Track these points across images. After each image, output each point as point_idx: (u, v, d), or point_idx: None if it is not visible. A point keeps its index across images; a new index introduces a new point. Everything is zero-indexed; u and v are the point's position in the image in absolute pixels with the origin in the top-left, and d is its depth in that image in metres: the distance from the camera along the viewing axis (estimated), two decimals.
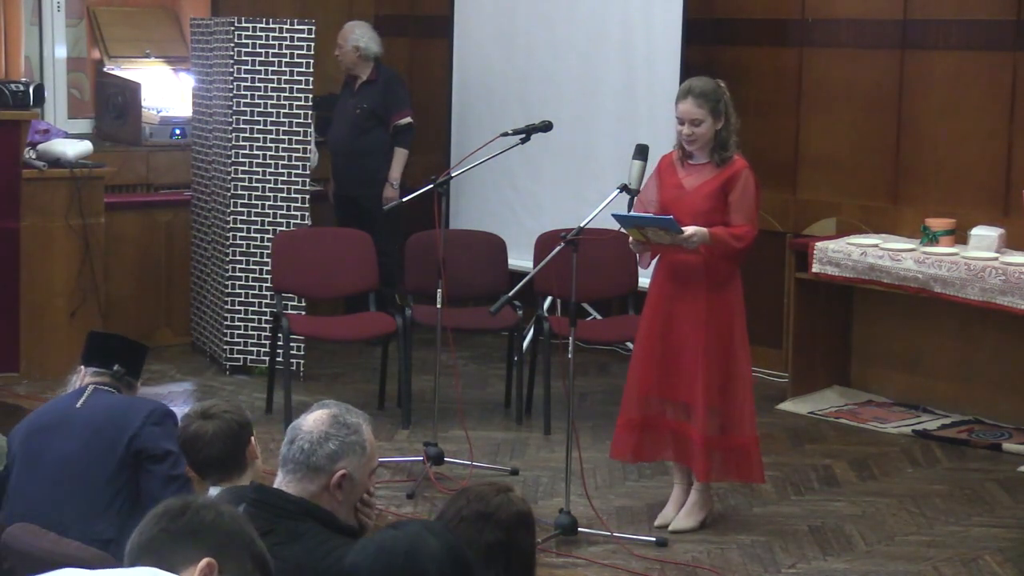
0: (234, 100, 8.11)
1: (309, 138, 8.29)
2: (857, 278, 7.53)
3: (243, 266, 8.21)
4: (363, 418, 3.54)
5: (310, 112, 8.19)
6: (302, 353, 8.06)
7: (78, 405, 4.49)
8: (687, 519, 5.93)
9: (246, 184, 8.16)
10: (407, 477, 6.50)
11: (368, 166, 8.77)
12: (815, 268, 7.63)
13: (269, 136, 8.14)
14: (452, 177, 6.90)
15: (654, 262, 5.98)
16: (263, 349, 8.10)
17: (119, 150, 8.88)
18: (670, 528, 5.91)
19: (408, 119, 8.80)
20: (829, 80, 8.23)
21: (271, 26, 8.11)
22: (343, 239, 7.92)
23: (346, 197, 8.92)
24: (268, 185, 8.16)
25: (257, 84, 8.11)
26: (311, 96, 8.15)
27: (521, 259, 7.88)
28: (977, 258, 7.11)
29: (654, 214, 5.76)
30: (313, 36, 8.11)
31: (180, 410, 4.81)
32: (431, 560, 2.73)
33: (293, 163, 8.14)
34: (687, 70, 7.82)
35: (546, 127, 6.52)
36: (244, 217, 8.18)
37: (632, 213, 5.74)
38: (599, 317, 8.64)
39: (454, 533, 2.96)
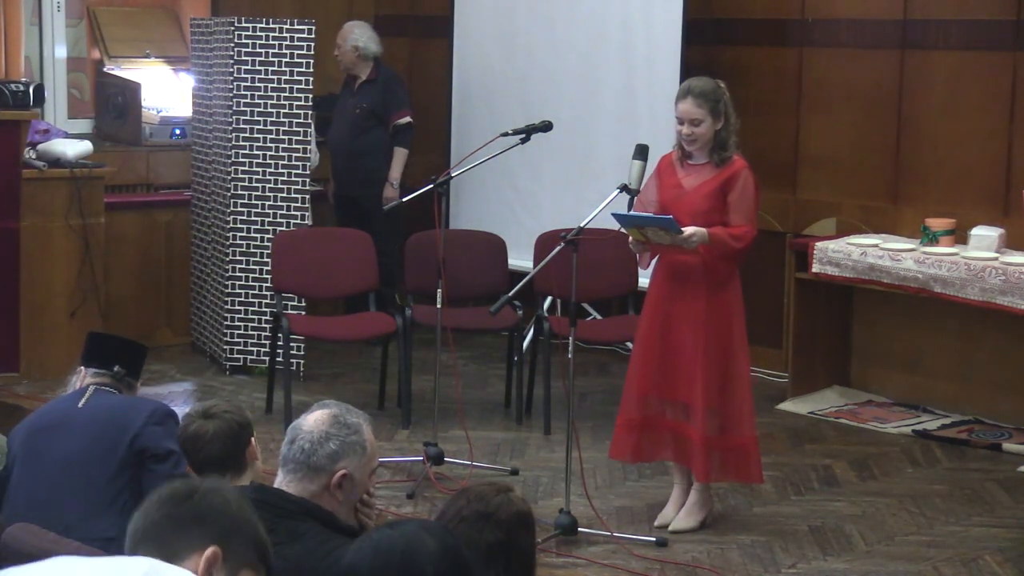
0: (234, 100, 8.11)
1: (309, 138, 8.29)
2: (857, 278, 7.53)
3: (243, 266, 8.21)
4: (363, 418, 3.54)
5: (310, 112, 8.19)
6: (302, 353, 8.06)
7: (79, 405, 4.49)
8: (687, 519, 5.93)
9: (246, 184, 8.16)
10: (407, 477, 6.50)
11: (368, 166, 8.77)
12: (815, 268, 7.63)
13: (269, 136, 8.14)
14: (452, 177, 6.90)
15: (653, 262, 5.98)
16: (263, 349, 8.10)
17: (119, 150, 8.88)
18: (670, 528, 5.91)
19: (408, 118, 8.80)
20: (829, 80, 8.23)
21: (271, 26, 8.11)
22: (343, 239, 7.92)
23: (346, 197, 8.92)
24: (268, 185, 8.16)
25: (257, 84, 8.11)
26: (311, 96, 8.15)
27: (521, 259, 7.88)
28: (977, 258, 7.11)
29: (653, 214, 5.76)
30: (313, 36, 8.11)
31: (180, 410, 4.81)
32: (428, 560, 2.73)
33: (293, 163, 8.14)
34: (687, 70, 7.82)
35: (546, 127, 6.52)
36: (244, 217, 8.18)
37: (632, 213, 5.75)
38: (599, 317, 8.64)
39: (452, 533, 2.96)
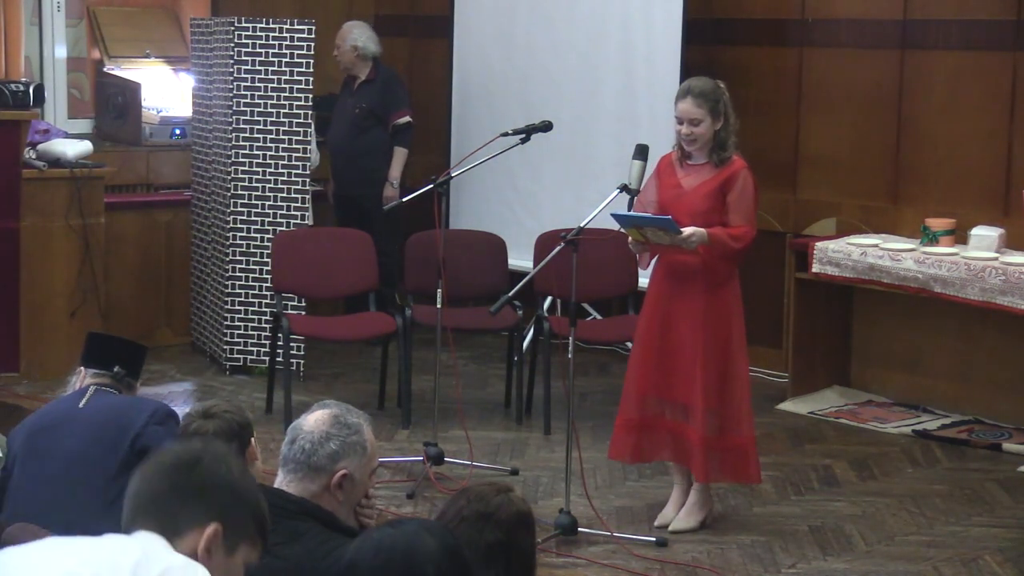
0: (234, 100, 8.11)
1: (310, 138, 8.29)
2: (857, 278, 7.53)
3: (243, 266, 8.21)
4: (364, 418, 3.54)
5: (310, 112, 8.19)
6: (302, 353, 8.06)
7: (80, 405, 4.49)
8: (687, 519, 5.93)
9: (246, 184, 8.16)
10: (407, 477, 6.50)
11: (367, 166, 8.77)
12: (815, 268, 7.63)
13: (269, 136, 8.14)
14: (452, 177, 6.90)
15: (653, 262, 5.98)
16: (263, 349, 8.10)
17: (119, 150, 8.88)
18: (670, 528, 5.91)
19: (407, 118, 8.80)
20: (829, 80, 8.23)
21: (271, 26, 8.11)
22: (343, 239, 7.92)
23: (346, 197, 8.92)
24: (268, 185, 8.16)
25: (257, 84, 8.11)
26: (311, 96, 8.15)
27: (521, 259, 7.88)
28: (977, 258, 7.11)
29: (653, 214, 5.76)
30: (313, 36, 8.11)
31: (180, 410, 4.81)
32: (428, 560, 2.73)
33: (293, 163, 8.14)
34: (687, 70, 7.82)
35: (546, 127, 6.52)
36: (244, 217, 8.18)
37: (631, 213, 5.75)
38: (599, 317, 8.64)
39: (452, 533, 2.96)
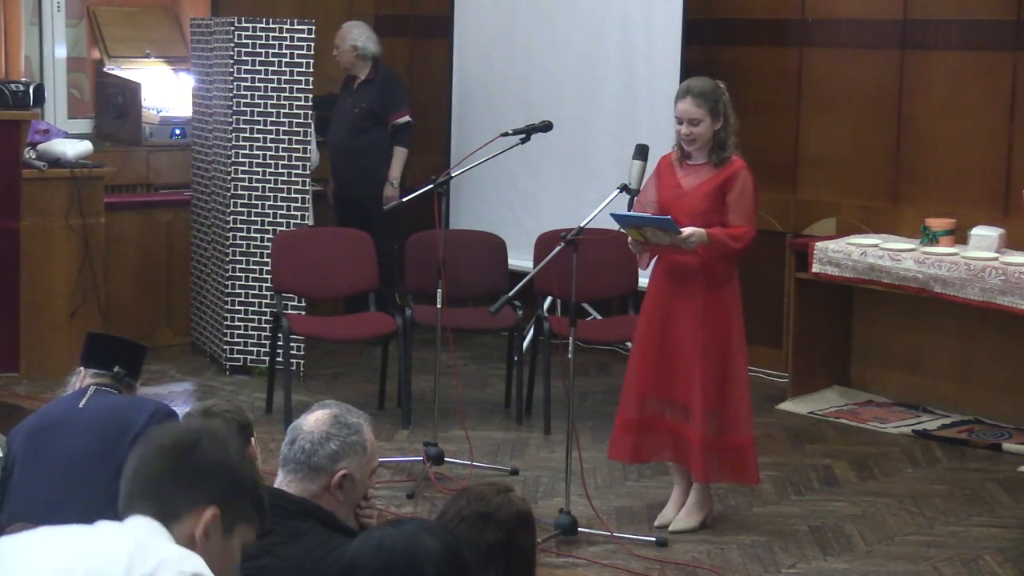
0: (234, 100, 8.11)
1: (309, 138, 8.29)
2: (857, 278, 7.53)
3: (243, 266, 8.21)
4: (364, 418, 3.54)
5: (310, 112, 8.19)
6: (302, 353, 8.06)
7: (80, 405, 4.49)
8: (687, 519, 5.93)
9: (246, 184, 8.16)
10: (407, 477, 6.50)
11: (367, 166, 8.77)
12: (815, 268, 7.63)
13: (269, 136, 8.14)
14: (452, 177, 6.90)
15: (653, 262, 5.98)
16: (263, 349, 8.10)
17: (119, 150, 8.88)
18: (670, 528, 5.91)
19: (407, 118, 8.80)
20: (829, 80, 8.23)
21: (271, 26, 8.11)
22: (343, 239, 7.93)
23: (345, 197, 8.92)
24: (268, 185, 8.16)
25: (257, 84, 8.11)
26: (311, 96, 8.15)
27: (521, 259, 7.88)
28: (977, 258, 7.11)
29: (652, 214, 5.76)
30: (313, 36, 8.11)
31: (180, 410, 4.82)
32: (429, 560, 2.73)
33: (293, 163, 8.14)
34: (687, 70, 7.82)
35: (546, 127, 6.52)
36: (244, 217, 8.18)
37: (630, 213, 5.75)
38: (599, 317, 8.64)
39: (453, 533, 2.96)
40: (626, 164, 5.80)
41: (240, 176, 8.16)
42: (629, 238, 5.81)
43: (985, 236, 7.31)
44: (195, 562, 2.42)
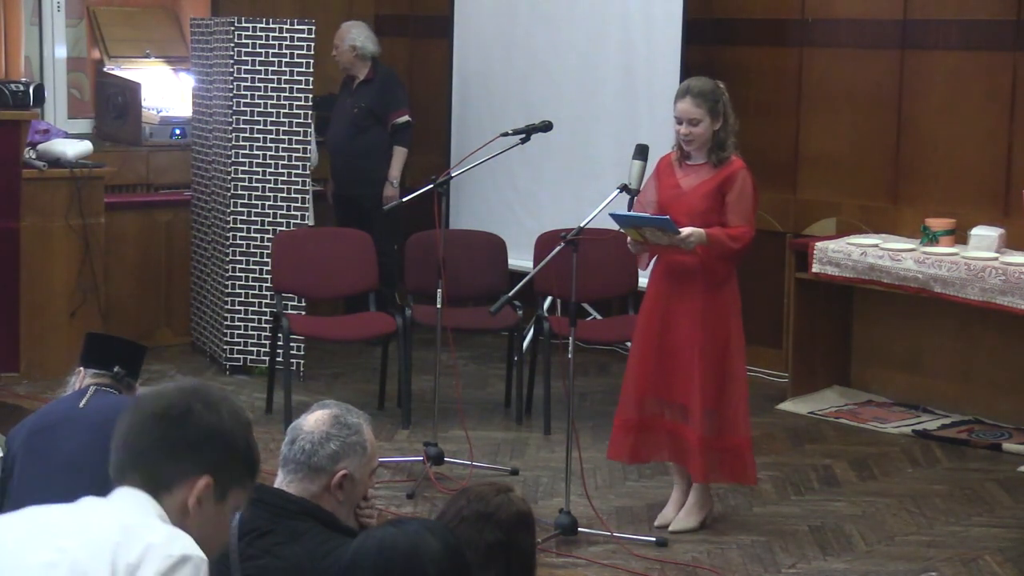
0: (234, 100, 8.11)
1: (309, 138, 8.29)
2: (857, 278, 7.53)
3: (243, 266, 8.21)
4: (363, 418, 3.54)
5: (310, 112, 8.19)
6: (302, 353, 8.06)
7: (81, 405, 4.49)
8: (687, 519, 5.93)
9: (246, 184, 8.16)
10: (407, 477, 6.50)
11: (367, 165, 8.77)
12: (815, 268, 7.63)
13: (269, 136, 8.14)
14: (452, 177, 6.90)
15: (652, 262, 5.98)
16: (263, 349, 8.10)
17: (119, 150, 8.89)
18: (670, 528, 5.91)
19: (406, 117, 8.80)
20: (829, 80, 8.23)
21: (271, 26, 8.11)
22: (343, 239, 7.93)
23: (345, 197, 8.92)
24: (268, 185, 8.16)
25: (257, 84, 8.11)
26: (311, 96, 8.15)
27: (521, 259, 7.88)
28: (977, 258, 7.11)
29: (651, 214, 5.76)
30: (313, 36, 8.11)
31: None
32: (431, 561, 2.73)
33: (293, 163, 8.15)
34: (687, 70, 7.82)
35: (546, 127, 6.52)
36: (244, 217, 8.18)
37: (629, 213, 5.75)
38: (599, 317, 8.64)
39: (454, 534, 2.96)
40: (626, 164, 5.80)
41: (240, 176, 8.15)
42: (628, 238, 5.81)
43: (985, 236, 7.31)
44: (181, 543, 2.39)
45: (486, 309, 6.01)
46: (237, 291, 8.22)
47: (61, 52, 9.11)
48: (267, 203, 8.16)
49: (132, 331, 7.60)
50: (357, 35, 8.81)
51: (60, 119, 8.97)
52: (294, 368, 7.80)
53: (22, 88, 8.02)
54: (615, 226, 5.82)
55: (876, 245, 7.49)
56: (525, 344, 7.82)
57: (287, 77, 8.10)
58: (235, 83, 8.10)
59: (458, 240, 7.68)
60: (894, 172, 8.00)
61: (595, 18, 8.60)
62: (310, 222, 8.34)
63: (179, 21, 9.54)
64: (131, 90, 8.97)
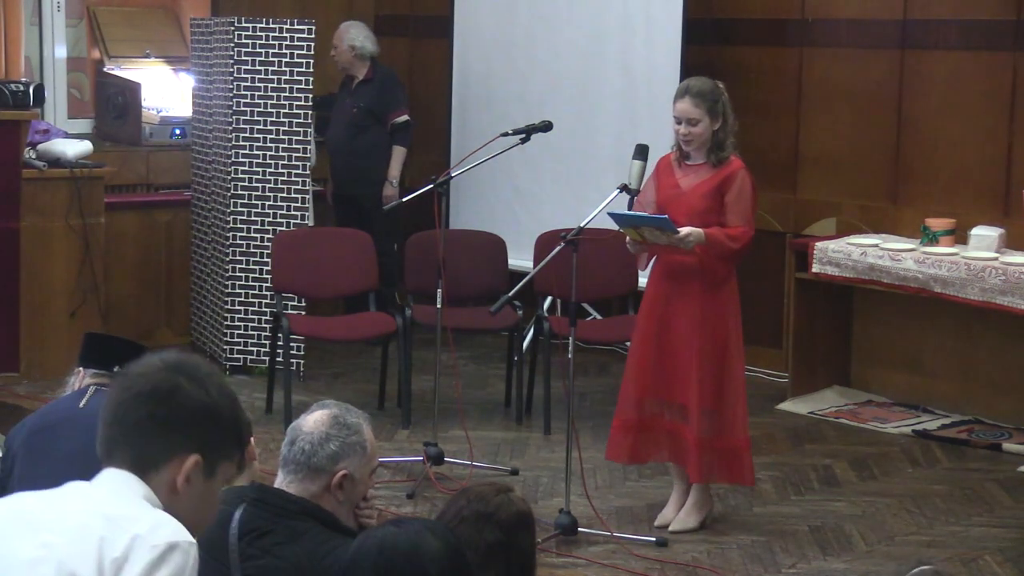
0: (234, 100, 8.11)
1: (309, 138, 8.29)
2: (857, 278, 7.53)
3: (243, 266, 8.21)
4: (363, 418, 3.54)
5: (310, 112, 8.19)
6: (302, 353, 8.06)
7: (80, 405, 4.49)
8: (687, 519, 5.93)
9: (246, 184, 8.16)
10: (407, 477, 6.50)
11: (366, 165, 8.77)
12: (815, 268, 7.63)
13: (269, 136, 8.14)
14: (452, 177, 6.90)
15: (651, 262, 5.98)
16: (263, 349, 8.10)
17: (119, 150, 8.89)
18: (670, 528, 5.91)
19: (405, 117, 8.80)
20: (829, 80, 8.23)
21: (271, 26, 8.11)
22: (343, 239, 7.93)
23: (345, 197, 8.92)
24: (268, 185, 8.16)
25: (257, 84, 8.11)
26: (311, 96, 8.15)
27: (521, 259, 7.88)
28: (977, 258, 7.11)
29: (650, 214, 5.76)
30: (313, 36, 8.11)
31: None
32: (432, 561, 2.73)
33: (293, 163, 8.15)
34: (687, 70, 7.82)
35: (546, 127, 6.52)
36: (244, 217, 8.18)
37: (628, 212, 5.75)
38: (599, 317, 8.64)
39: (454, 534, 2.96)
40: (626, 164, 5.80)
41: (240, 176, 8.15)
42: (627, 238, 5.81)
43: (985, 236, 7.30)
44: (167, 531, 2.36)
45: (486, 309, 6.01)
46: (237, 291, 8.22)
47: (61, 52, 9.11)
48: (267, 203, 8.16)
49: (132, 331, 7.60)
50: (356, 35, 8.81)
51: (60, 119, 8.98)
52: (294, 368, 7.80)
53: (22, 88, 8.02)
54: (615, 226, 5.82)
55: (876, 245, 7.49)
56: (525, 344, 7.82)
57: (287, 77, 8.10)
58: (235, 83, 8.10)
59: (458, 240, 7.67)
60: (894, 172, 8.00)
61: (595, 18, 8.60)
62: (309, 222, 8.34)
63: (179, 21, 9.54)
64: (131, 90, 8.97)
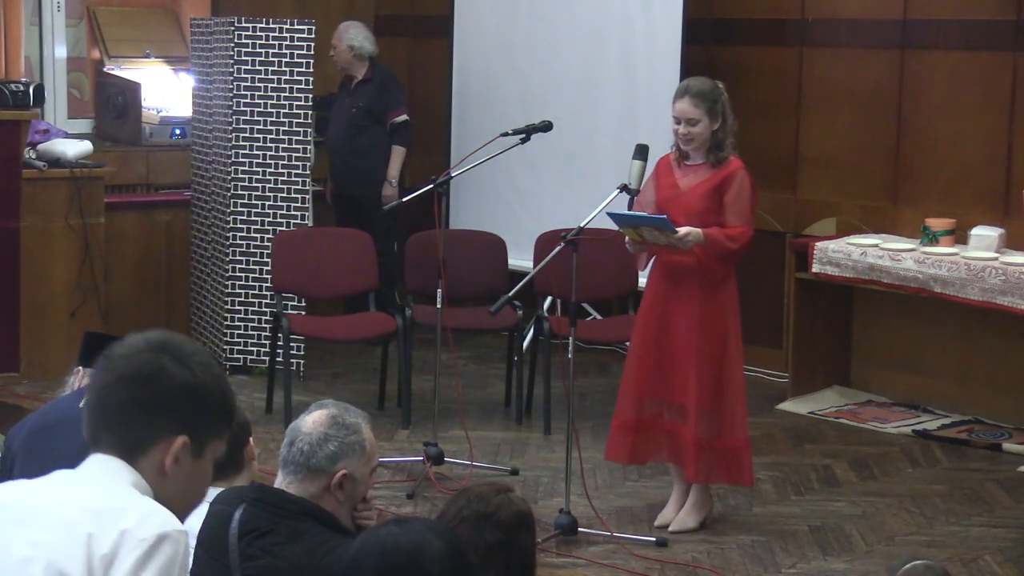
0: (234, 100, 8.11)
1: (308, 138, 8.29)
2: (857, 278, 7.53)
3: (243, 266, 8.21)
4: (362, 417, 3.54)
5: (310, 112, 8.19)
6: (302, 353, 8.06)
7: (81, 405, 4.47)
8: (687, 519, 5.93)
9: (246, 184, 8.16)
10: (407, 477, 6.50)
11: (365, 165, 8.76)
12: (815, 268, 7.63)
13: (269, 136, 8.14)
14: (452, 177, 6.90)
15: (651, 262, 5.98)
16: (263, 349, 8.10)
17: (119, 150, 8.89)
18: (670, 528, 5.91)
19: (404, 116, 8.79)
20: (829, 80, 8.23)
21: (271, 26, 8.11)
22: (343, 239, 7.93)
23: (344, 197, 8.92)
24: (268, 185, 8.16)
25: (257, 84, 8.11)
26: (311, 96, 8.15)
27: (521, 259, 7.88)
28: (977, 258, 7.11)
29: (648, 214, 5.76)
30: (313, 36, 8.11)
31: None
32: (434, 561, 2.73)
33: (293, 163, 8.15)
34: (687, 70, 7.82)
35: (546, 127, 6.52)
36: (244, 217, 8.18)
37: (626, 212, 5.75)
38: (599, 317, 8.64)
39: (456, 534, 2.96)
40: (626, 164, 5.80)
41: (240, 176, 8.15)
42: (626, 238, 5.81)
43: (985, 236, 7.30)
44: (155, 521, 2.33)
45: (486, 309, 6.01)
46: (237, 291, 8.22)
47: (61, 52, 9.11)
48: (267, 203, 8.16)
49: (132, 331, 7.55)
50: (355, 35, 8.81)
51: (60, 119, 8.98)
52: (294, 368, 7.81)
53: (22, 88, 8.02)
54: (615, 226, 5.81)
55: (876, 245, 7.49)
56: (525, 344, 7.82)
57: (287, 77, 8.10)
58: (235, 83, 8.10)
59: (458, 240, 7.67)
60: (894, 172, 8.00)
61: (595, 18, 8.60)
62: (308, 222, 8.34)
63: (179, 21, 9.54)
64: (131, 90, 8.97)
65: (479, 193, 8.99)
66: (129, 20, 9.41)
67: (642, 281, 6.97)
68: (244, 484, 3.80)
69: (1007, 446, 7.09)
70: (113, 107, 9.05)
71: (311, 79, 8.11)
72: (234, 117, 8.11)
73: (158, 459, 2.43)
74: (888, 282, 7.39)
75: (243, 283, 8.22)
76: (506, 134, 6.46)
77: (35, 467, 4.39)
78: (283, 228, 8.07)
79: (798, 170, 8.36)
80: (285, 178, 8.15)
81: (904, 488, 6.53)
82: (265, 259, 8.06)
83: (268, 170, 8.15)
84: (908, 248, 7.42)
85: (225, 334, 8.27)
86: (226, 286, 8.23)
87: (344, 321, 8.00)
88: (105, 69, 9.18)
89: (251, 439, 4.21)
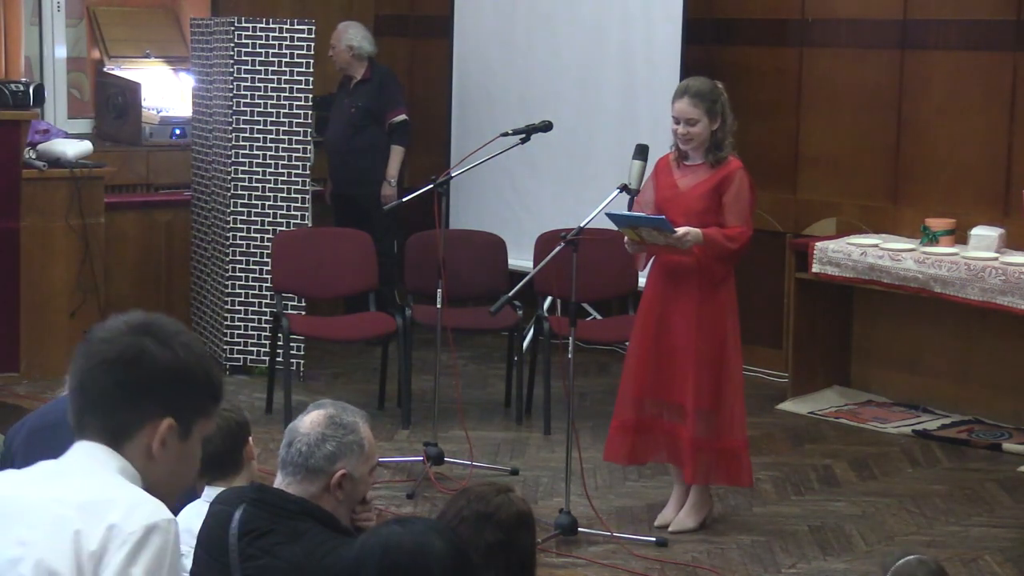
0: (234, 100, 8.11)
1: (308, 138, 8.29)
2: (857, 278, 7.53)
3: (243, 266, 8.21)
4: (360, 416, 3.53)
5: (310, 112, 8.19)
6: (302, 353, 8.06)
7: None
8: (687, 519, 5.93)
9: (246, 184, 8.16)
10: (407, 477, 6.50)
11: (365, 165, 8.76)
12: (815, 268, 7.63)
13: (269, 136, 8.14)
14: (452, 177, 6.90)
15: (651, 262, 5.98)
16: (263, 349, 8.10)
17: (119, 150, 8.89)
18: (670, 528, 5.91)
19: (403, 116, 8.79)
20: (829, 80, 8.23)
21: (271, 26, 8.11)
22: (343, 239, 7.93)
23: (344, 197, 8.92)
24: (268, 185, 8.16)
25: (257, 84, 8.11)
26: (311, 96, 8.15)
27: (521, 259, 7.88)
28: (977, 258, 7.11)
29: (647, 214, 5.76)
30: (313, 36, 8.11)
31: None
32: (436, 560, 2.73)
33: (293, 163, 8.15)
34: (687, 70, 7.82)
35: (546, 127, 6.52)
36: (244, 217, 8.18)
37: (625, 212, 5.75)
38: (599, 317, 8.64)
39: (457, 534, 2.96)
40: (626, 164, 5.80)
41: (240, 176, 8.15)
42: (625, 238, 5.81)
43: (985, 236, 7.30)
44: (143, 512, 2.30)
45: (486, 309, 6.01)
46: (237, 291, 8.22)
47: (61, 52, 9.11)
48: (267, 203, 8.17)
49: None
50: (354, 35, 8.81)
51: (60, 119, 8.98)
52: (294, 368, 7.80)
53: (22, 88, 8.02)
54: (615, 226, 5.81)
55: (876, 245, 7.49)
56: (525, 344, 7.82)
57: (287, 77, 8.10)
58: (235, 83, 8.10)
59: (458, 240, 7.67)
60: (894, 172, 8.00)
61: (595, 18, 8.60)
62: (308, 222, 8.34)
63: (179, 21, 9.54)
64: (131, 90, 8.97)
65: (479, 193, 8.99)
66: (129, 20, 9.41)
67: (642, 281, 6.97)
68: (244, 484, 3.80)
69: (1007, 446, 7.09)
70: (113, 107, 9.05)
71: (311, 79, 8.11)
72: (234, 117, 8.11)
73: (145, 443, 2.40)
74: (888, 282, 7.39)
75: (243, 283, 8.22)
76: (506, 134, 6.46)
77: None
78: (283, 228, 8.07)
79: (798, 170, 8.36)
80: (285, 178, 8.15)
81: (904, 488, 6.53)
82: (265, 259, 8.07)
83: (268, 170, 8.15)
84: (908, 248, 7.42)
85: (225, 334, 8.27)
86: (226, 286, 8.23)
87: (344, 321, 8.00)
88: (105, 69, 9.18)
89: (250, 439, 4.21)
